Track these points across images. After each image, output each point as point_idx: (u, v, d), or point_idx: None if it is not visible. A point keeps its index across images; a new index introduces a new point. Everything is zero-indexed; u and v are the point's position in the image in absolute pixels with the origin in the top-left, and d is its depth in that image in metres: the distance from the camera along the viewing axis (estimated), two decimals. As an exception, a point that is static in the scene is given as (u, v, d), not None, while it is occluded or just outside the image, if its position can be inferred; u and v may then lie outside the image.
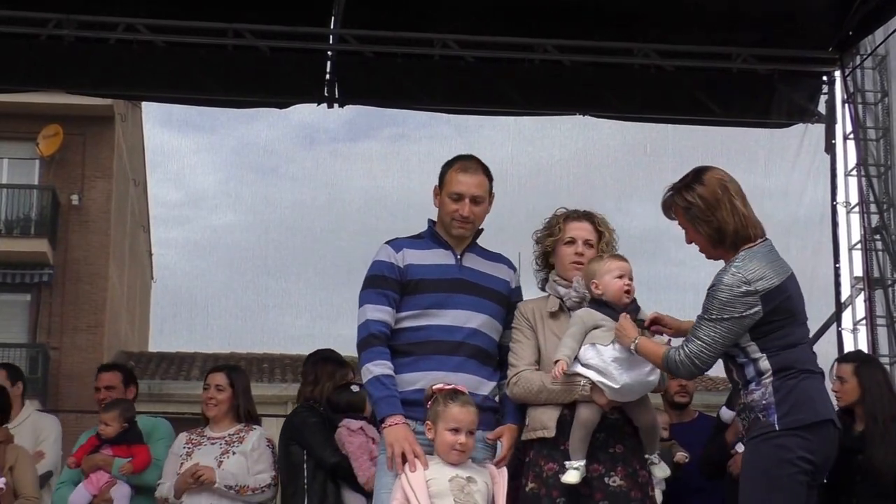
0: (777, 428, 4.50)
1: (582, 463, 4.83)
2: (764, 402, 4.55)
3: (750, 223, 4.70)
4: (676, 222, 4.84)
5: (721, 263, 4.77)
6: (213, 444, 6.62)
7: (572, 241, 5.17)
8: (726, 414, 6.31)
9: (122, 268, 25.30)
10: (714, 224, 4.66)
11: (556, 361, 4.85)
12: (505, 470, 4.95)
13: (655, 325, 4.99)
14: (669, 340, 4.91)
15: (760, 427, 4.56)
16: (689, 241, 4.84)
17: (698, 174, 4.76)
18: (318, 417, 6.56)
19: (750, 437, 4.63)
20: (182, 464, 6.56)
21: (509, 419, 5.09)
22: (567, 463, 4.84)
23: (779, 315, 4.62)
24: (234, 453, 6.53)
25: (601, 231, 5.25)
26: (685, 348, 4.66)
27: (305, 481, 6.46)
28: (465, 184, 5.12)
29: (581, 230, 5.20)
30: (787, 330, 4.65)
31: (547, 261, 5.26)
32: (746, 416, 4.66)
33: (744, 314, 4.56)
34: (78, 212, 23.48)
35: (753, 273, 4.58)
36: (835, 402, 6.06)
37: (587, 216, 5.26)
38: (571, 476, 4.81)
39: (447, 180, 5.16)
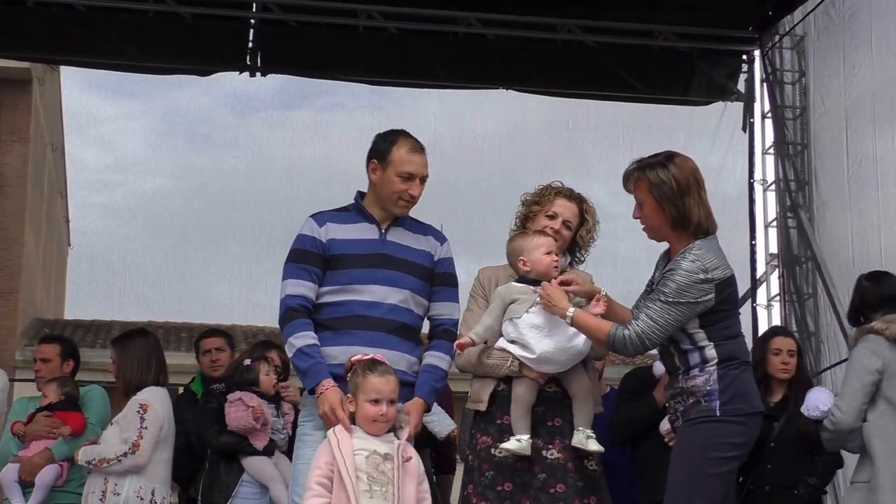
0: (718, 413, 4.64)
1: (524, 436, 4.85)
2: (708, 388, 4.66)
3: (711, 218, 4.80)
4: (633, 196, 4.85)
5: (656, 244, 4.87)
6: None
7: (553, 217, 5.20)
8: (659, 368, 6.25)
9: (39, 234, 24.93)
10: (681, 209, 4.73)
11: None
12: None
13: (564, 284, 4.96)
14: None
15: (700, 411, 4.67)
16: (637, 216, 4.87)
17: (671, 157, 4.81)
18: (204, 404, 6.60)
19: (687, 419, 4.72)
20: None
21: (418, 391, 4.99)
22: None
23: (726, 305, 4.75)
24: (112, 423, 6.51)
25: (586, 218, 5.28)
26: (635, 326, 4.70)
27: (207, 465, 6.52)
28: (417, 164, 5.06)
29: (566, 209, 5.23)
30: (731, 321, 4.81)
31: (524, 226, 5.27)
32: (683, 400, 4.75)
33: (698, 300, 4.65)
34: (-7, 176, 23.08)
35: (711, 262, 4.68)
36: (780, 375, 6.39)
37: (578, 199, 5.28)
38: (510, 444, 4.85)
39: (395, 158, 5.05)
